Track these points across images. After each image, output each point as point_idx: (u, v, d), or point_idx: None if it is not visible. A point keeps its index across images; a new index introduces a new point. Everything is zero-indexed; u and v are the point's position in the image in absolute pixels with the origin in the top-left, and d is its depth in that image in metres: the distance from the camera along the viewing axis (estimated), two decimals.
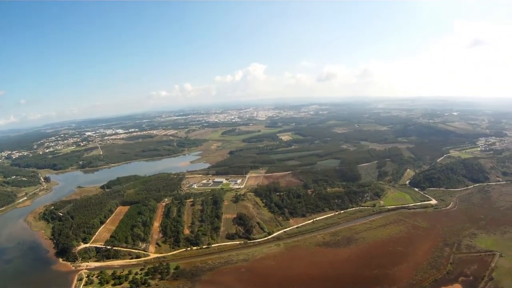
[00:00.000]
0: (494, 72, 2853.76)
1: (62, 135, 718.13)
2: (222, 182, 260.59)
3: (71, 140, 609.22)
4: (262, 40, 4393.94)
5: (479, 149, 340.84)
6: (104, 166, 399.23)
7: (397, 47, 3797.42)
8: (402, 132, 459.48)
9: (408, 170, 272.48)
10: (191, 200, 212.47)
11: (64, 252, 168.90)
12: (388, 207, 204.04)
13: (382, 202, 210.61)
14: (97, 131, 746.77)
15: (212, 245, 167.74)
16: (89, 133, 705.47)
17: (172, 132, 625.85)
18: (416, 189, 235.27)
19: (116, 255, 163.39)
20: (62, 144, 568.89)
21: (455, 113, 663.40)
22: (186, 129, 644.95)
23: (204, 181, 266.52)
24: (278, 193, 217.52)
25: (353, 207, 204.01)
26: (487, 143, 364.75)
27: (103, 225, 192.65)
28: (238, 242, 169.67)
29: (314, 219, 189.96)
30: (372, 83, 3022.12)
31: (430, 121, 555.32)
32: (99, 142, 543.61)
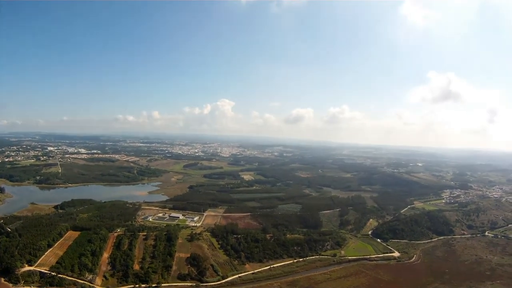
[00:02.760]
0: (458, 125, 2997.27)
1: (25, 146, 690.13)
2: (178, 217, 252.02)
3: (32, 153, 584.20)
4: (233, 77, 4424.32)
5: (443, 201, 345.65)
6: (61, 185, 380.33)
7: (367, 95, 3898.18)
8: (366, 180, 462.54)
9: (371, 219, 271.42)
10: (145, 233, 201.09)
11: (7, 272, 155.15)
12: (349, 257, 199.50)
13: (343, 252, 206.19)
14: (60, 148, 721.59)
15: (162, 284, 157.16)
16: (51, 148, 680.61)
17: (133, 159, 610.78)
18: (378, 240, 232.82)
19: (60, 283, 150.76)
20: (23, 156, 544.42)
21: (419, 164, 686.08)
22: (148, 158, 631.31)
23: (160, 215, 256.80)
24: (235, 236, 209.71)
25: (313, 256, 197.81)
26: (452, 195, 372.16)
27: (51, 248, 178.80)
28: (190, 284, 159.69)
29: (272, 266, 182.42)
30: (339, 129, 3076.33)
31: (395, 170, 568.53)
32: (60, 159, 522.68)
